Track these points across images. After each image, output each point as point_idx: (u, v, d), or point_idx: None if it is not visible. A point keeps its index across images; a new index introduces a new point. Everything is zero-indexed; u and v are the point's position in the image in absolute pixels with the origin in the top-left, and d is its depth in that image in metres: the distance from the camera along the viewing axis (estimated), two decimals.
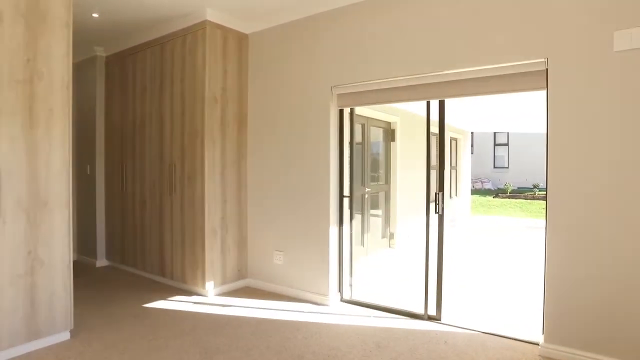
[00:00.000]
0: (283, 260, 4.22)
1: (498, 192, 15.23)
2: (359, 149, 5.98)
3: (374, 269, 5.51)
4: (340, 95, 3.88)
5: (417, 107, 6.77)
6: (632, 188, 2.57)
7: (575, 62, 2.73)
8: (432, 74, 3.31)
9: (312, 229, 3.99)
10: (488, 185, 16.78)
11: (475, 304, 3.98)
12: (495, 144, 17.53)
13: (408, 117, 6.97)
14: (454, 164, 10.04)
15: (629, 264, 2.59)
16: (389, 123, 6.65)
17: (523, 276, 5.03)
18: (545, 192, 2.92)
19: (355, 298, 3.99)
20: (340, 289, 4.00)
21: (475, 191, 15.95)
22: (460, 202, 10.19)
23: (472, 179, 16.59)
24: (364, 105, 3.87)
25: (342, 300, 3.99)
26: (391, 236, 6.72)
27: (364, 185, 5.96)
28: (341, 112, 3.99)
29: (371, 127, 6.16)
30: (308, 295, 4.01)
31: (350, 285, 4.06)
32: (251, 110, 4.48)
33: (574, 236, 2.76)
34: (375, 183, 6.54)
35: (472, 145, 16.92)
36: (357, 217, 5.92)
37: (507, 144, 17.20)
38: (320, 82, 3.93)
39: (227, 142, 4.28)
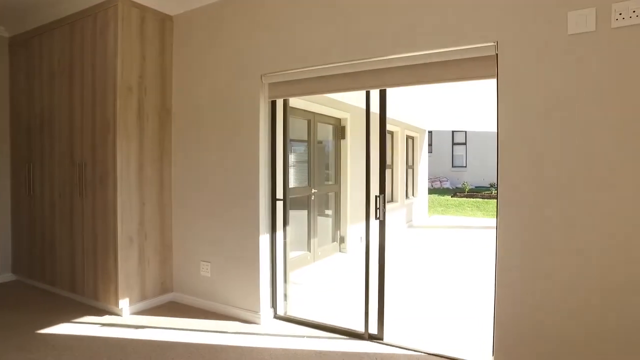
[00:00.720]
0: (210, 272, 3.72)
1: (456, 192, 15.23)
2: (305, 146, 5.56)
3: (319, 277, 5.09)
4: (271, 85, 3.42)
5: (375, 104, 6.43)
6: (591, 185, 2.26)
7: (527, 46, 2.40)
8: (371, 59, 2.91)
9: (241, 236, 3.52)
10: (446, 185, 16.79)
11: (422, 318, 3.63)
12: (453, 143, 17.58)
13: (359, 113, 6.59)
14: (410, 163, 9.81)
15: (588, 276, 2.28)
16: (339, 119, 6.26)
17: (477, 285, 4.75)
18: (496, 191, 2.58)
19: (291, 314, 3.56)
20: (273, 304, 3.55)
21: (433, 190, 15.92)
22: (417, 202, 9.97)
23: (431, 178, 16.55)
24: (298, 96, 3.44)
25: (275, 316, 3.54)
26: (342, 240, 6.33)
27: (311, 186, 5.54)
28: (274, 104, 3.54)
29: (319, 124, 5.74)
30: (237, 312, 3.54)
31: (286, 300, 3.61)
32: (176, 102, 3.95)
33: (527, 242, 2.43)
34: (324, 183, 6.14)
35: (430, 145, 16.89)
36: (303, 221, 5.50)
37: (465, 143, 17.27)
38: (249, 70, 3.46)
39: (146, 137, 3.73)
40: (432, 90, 5.43)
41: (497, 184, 2.52)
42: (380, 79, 2.94)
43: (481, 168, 16.60)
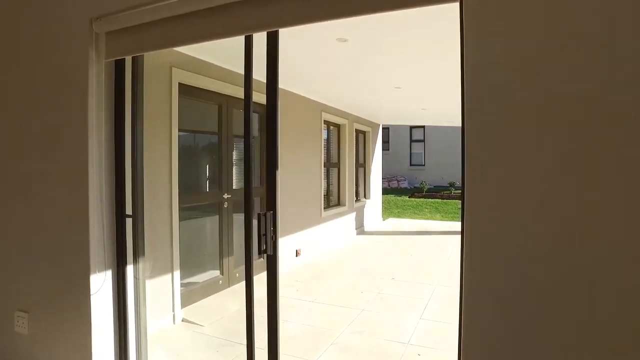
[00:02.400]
0: (27, 327, 2.41)
1: (414, 192, 14.36)
2: (215, 140, 4.31)
3: (231, 310, 3.86)
4: (110, 36, 2.15)
5: (306, 86, 5.26)
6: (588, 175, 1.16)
7: None
8: None
9: (67, 273, 2.24)
10: (404, 184, 15.90)
11: None
12: (411, 141, 16.73)
13: (294, 98, 5.42)
14: (361, 161, 8.73)
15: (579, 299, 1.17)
16: (265, 106, 5.04)
17: (430, 322, 3.67)
18: (461, 190, 1.44)
19: None
20: None
21: (390, 190, 14.99)
22: (370, 204, 8.89)
23: (387, 178, 15.63)
24: (154, 49, 2.18)
25: None
26: None
27: (222, 190, 4.29)
28: (120, 66, 2.27)
29: (235, 110, 4.49)
30: None
31: None
32: None
33: (502, 260, 1.31)
34: (242, 187, 4.92)
35: (386, 142, 15.97)
36: (212, 234, 4.26)
37: (423, 140, 16.44)
38: (72, 12, 2.19)
39: None
40: (383, 68, 4.32)
41: (463, 180, 1.39)
42: (268, 13, 1.74)
43: (440, 166, 15.83)
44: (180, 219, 3.66)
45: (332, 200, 7.22)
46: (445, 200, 12.92)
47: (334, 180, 7.30)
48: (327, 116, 6.52)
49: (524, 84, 1.27)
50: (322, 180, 6.45)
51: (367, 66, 4.05)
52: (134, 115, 2.28)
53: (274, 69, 1.83)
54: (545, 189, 1.26)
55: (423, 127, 16.32)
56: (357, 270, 5.36)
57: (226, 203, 4.31)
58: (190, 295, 3.83)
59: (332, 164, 7.16)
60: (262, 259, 4.72)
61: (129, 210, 2.29)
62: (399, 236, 7.92)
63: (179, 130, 3.62)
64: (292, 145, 5.40)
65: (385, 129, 15.42)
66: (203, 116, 4.23)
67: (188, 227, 3.87)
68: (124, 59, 2.24)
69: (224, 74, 4.08)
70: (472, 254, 1.37)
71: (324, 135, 6.70)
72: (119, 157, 2.26)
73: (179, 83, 3.55)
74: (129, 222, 2.29)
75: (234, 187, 4.46)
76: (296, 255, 5.59)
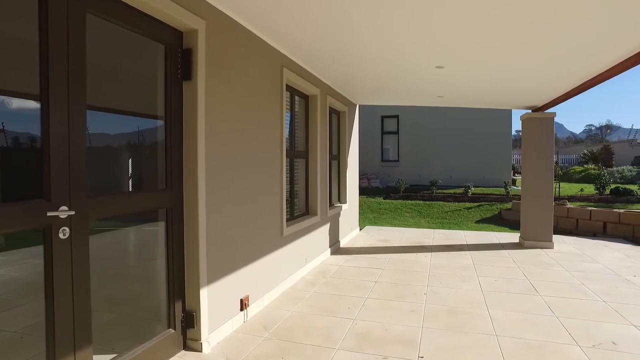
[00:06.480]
0: None
1: (390, 192, 12.22)
2: (34, 107, 1.81)
3: None
4: None
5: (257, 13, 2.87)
6: None
7: None
8: None
9: None
10: (376, 183, 13.74)
11: None
12: (383, 132, 14.56)
13: (233, 26, 2.99)
14: (335, 151, 6.41)
15: None
16: (178, 33, 2.59)
17: None
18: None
19: None
20: None
21: (361, 190, 12.74)
22: (346, 210, 6.57)
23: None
24: None
25: None
26: (190, 321, 2.69)
27: (51, 201, 1.81)
28: None
29: (100, 29, 2.02)
30: None
31: None
32: None
33: None
34: (120, 192, 2.47)
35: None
36: (27, 296, 1.78)
37: (397, 132, 14.32)
38: None
39: None
40: None
41: None
42: None
43: (416, 163, 13.78)
44: None
45: (297, 207, 4.85)
46: (427, 202, 10.88)
47: (300, 177, 4.94)
48: (291, 76, 4.15)
49: None
50: (285, 179, 4.07)
51: None
52: None
53: None
54: None
55: (397, 116, 14.21)
56: (348, 337, 3.02)
57: (65, 229, 1.83)
58: None
59: (297, 154, 4.79)
60: (172, 328, 2.28)
61: None
62: (389, 256, 5.66)
63: None
64: (227, 119, 3.00)
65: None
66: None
67: None
68: None
69: None
70: None
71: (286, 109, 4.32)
72: None
73: None
74: None
75: (87, 195, 1.98)
76: (241, 309, 3.19)
